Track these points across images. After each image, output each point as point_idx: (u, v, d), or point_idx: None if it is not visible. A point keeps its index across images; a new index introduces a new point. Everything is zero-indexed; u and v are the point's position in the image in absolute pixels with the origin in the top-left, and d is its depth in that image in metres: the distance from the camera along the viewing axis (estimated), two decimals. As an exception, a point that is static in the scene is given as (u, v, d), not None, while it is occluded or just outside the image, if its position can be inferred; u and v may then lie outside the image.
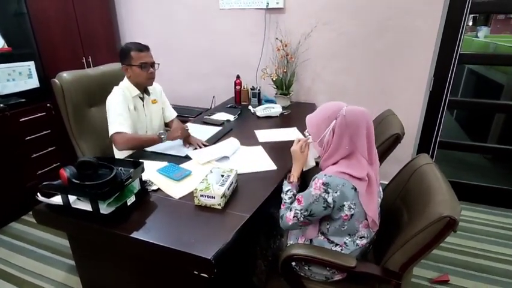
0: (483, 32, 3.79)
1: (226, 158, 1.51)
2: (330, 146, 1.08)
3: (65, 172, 1.03)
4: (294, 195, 1.15)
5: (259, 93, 2.46)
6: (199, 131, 1.85)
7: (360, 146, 1.05)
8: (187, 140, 1.67)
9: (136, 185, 1.18)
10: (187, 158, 1.53)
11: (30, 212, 2.27)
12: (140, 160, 1.23)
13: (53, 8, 2.37)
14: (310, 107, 2.40)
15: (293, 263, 1.15)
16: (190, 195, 1.18)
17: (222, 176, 1.22)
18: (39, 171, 2.31)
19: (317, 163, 1.20)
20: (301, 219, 1.07)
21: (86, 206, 1.06)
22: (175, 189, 1.24)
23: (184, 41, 2.78)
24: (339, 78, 2.39)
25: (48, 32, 2.37)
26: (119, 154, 1.67)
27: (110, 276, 1.25)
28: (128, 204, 1.10)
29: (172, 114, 1.94)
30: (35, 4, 2.24)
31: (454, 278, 1.72)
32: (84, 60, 2.60)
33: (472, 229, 2.12)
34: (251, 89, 2.47)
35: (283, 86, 2.38)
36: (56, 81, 1.65)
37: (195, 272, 0.94)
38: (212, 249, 0.91)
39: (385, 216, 1.17)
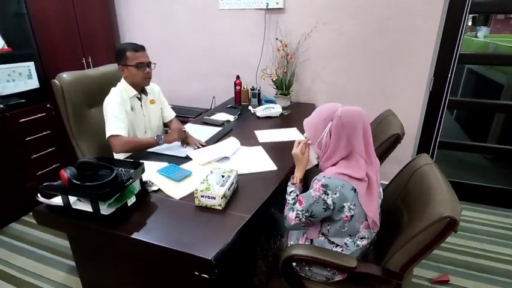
0: (483, 32, 3.79)
1: (226, 158, 1.51)
2: (329, 147, 1.08)
3: (66, 173, 1.03)
4: (297, 196, 1.16)
5: (259, 94, 2.46)
6: (199, 132, 1.85)
7: (357, 146, 1.06)
8: (185, 140, 1.67)
9: (136, 186, 1.18)
10: (187, 158, 1.53)
11: (30, 213, 2.27)
12: (140, 161, 1.23)
13: (53, 9, 2.37)
14: (311, 107, 2.39)
15: (294, 264, 1.15)
16: (191, 196, 1.18)
17: (223, 176, 1.22)
18: (39, 172, 2.31)
19: (318, 163, 1.20)
20: (303, 219, 1.08)
21: (86, 207, 1.06)
22: (176, 190, 1.24)
23: (184, 41, 2.78)
24: (339, 78, 2.39)
25: (48, 33, 2.37)
26: (119, 155, 1.67)
27: (111, 277, 1.25)
28: (129, 204, 1.10)
29: (170, 115, 1.94)
30: (35, 4, 2.24)
31: (454, 278, 1.72)
32: (84, 61, 2.60)
33: (472, 229, 2.12)
34: (251, 89, 2.47)
35: (283, 86, 2.38)
36: (56, 81, 1.65)
37: (196, 273, 0.93)
38: (213, 250, 0.91)
39: (385, 217, 1.17)
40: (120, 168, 1.16)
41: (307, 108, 2.30)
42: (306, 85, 2.51)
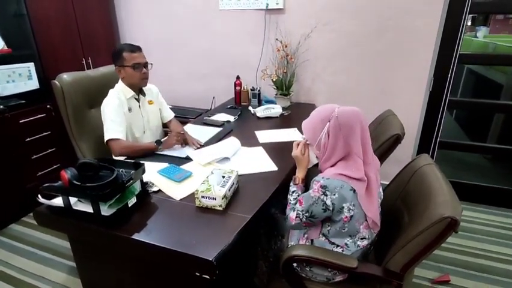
0: (482, 32, 3.79)
1: (226, 159, 1.51)
2: (327, 148, 1.09)
3: (66, 174, 1.03)
4: (299, 196, 1.16)
5: (259, 94, 2.46)
6: (199, 132, 1.85)
7: (355, 146, 1.06)
8: (184, 140, 1.67)
9: (137, 187, 1.18)
10: (187, 159, 1.53)
11: (31, 214, 2.27)
12: (141, 161, 1.23)
13: (52, 9, 2.37)
14: (311, 108, 2.39)
15: (294, 264, 1.15)
16: (191, 197, 1.18)
17: (223, 177, 1.22)
18: (40, 173, 2.31)
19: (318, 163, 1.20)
20: (304, 219, 1.08)
21: (87, 208, 1.06)
22: (176, 191, 1.24)
23: (184, 42, 2.78)
24: (339, 79, 2.40)
25: (48, 33, 2.37)
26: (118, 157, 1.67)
27: (111, 277, 1.25)
28: (129, 205, 1.10)
29: (169, 115, 1.94)
30: (34, 5, 2.24)
31: (454, 278, 1.72)
32: (84, 62, 2.60)
33: (472, 229, 2.12)
34: (251, 90, 2.47)
35: (283, 86, 2.38)
36: (56, 82, 1.65)
37: (197, 274, 0.94)
38: (213, 251, 0.91)
39: (386, 217, 1.17)
40: (121, 169, 1.16)
41: (307, 109, 2.30)
42: (306, 85, 2.51)
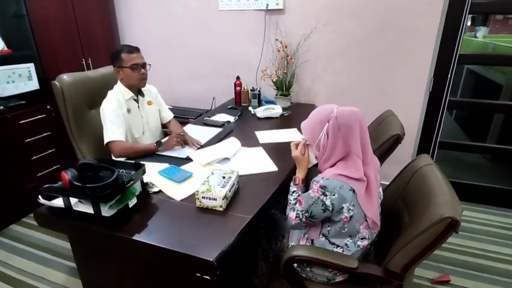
0: (482, 32, 3.80)
1: (227, 159, 1.51)
2: (326, 148, 1.09)
3: (67, 174, 1.03)
4: (299, 196, 1.16)
5: (259, 94, 2.46)
6: (200, 133, 1.85)
7: (354, 146, 1.06)
8: (184, 140, 1.68)
9: (137, 187, 1.18)
10: (188, 159, 1.53)
11: (31, 214, 2.27)
12: (141, 162, 1.23)
13: (52, 10, 2.37)
14: (311, 108, 2.38)
15: (295, 265, 1.15)
16: (192, 197, 1.18)
17: (224, 177, 1.22)
18: (40, 173, 2.31)
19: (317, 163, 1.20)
20: (304, 219, 1.08)
21: (87, 209, 1.06)
22: (177, 191, 1.24)
23: (184, 42, 2.78)
24: (339, 79, 2.40)
25: (48, 34, 2.37)
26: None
27: (112, 278, 1.25)
28: (130, 206, 1.10)
29: (168, 116, 1.95)
30: (34, 6, 2.23)
31: (454, 278, 1.72)
32: (84, 62, 2.60)
33: (471, 229, 2.13)
34: (251, 90, 2.47)
35: (283, 87, 2.38)
36: (57, 83, 1.65)
37: (197, 274, 0.94)
38: (214, 251, 0.91)
39: (386, 217, 1.18)
40: (121, 170, 1.16)
41: (307, 109, 2.29)
42: (306, 86, 2.52)
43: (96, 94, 1.76)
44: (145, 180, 1.22)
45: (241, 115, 2.24)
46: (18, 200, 2.20)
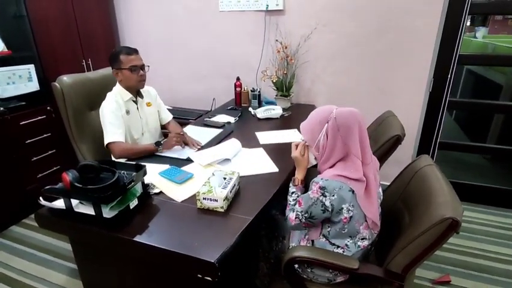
0: (481, 32, 3.80)
1: (227, 160, 1.52)
2: (326, 149, 1.09)
3: (68, 176, 1.03)
4: (298, 197, 1.16)
5: (259, 95, 2.46)
6: (200, 133, 1.85)
7: (353, 147, 1.06)
8: (184, 140, 1.68)
9: (138, 189, 1.18)
10: (188, 160, 1.54)
11: (31, 215, 2.27)
12: (142, 163, 1.23)
13: (52, 10, 2.36)
14: (311, 108, 2.37)
15: (296, 266, 1.15)
16: (193, 198, 1.19)
17: (224, 178, 1.22)
18: (40, 175, 2.30)
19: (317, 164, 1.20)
20: (303, 220, 1.09)
21: (88, 210, 1.06)
22: (177, 192, 1.25)
23: (184, 43, 2.78)
24: (339, 80, 2.40)
25: (48, 34, 2.36)
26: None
27: (113, 279, 1.25)
28: (131, 207, 1.11)
29: (168, 117, 1.95)
30: (34, 6, 2.23)
31: (454, 278, 1.72)
32: (84, 63, 2.60)
33: (471, 229, 2.13)
34: (251, 91, 2.47)
35: (283, 87, 2.38)
36: (57, 84, 1.65)
37: (199, 276, 0.94)
38: (215, 253, 0.92)
39: (386, 218, 1.18)
40: (122, 171, 1.17)
41: (307, 110, 2.28)
42: (306, 86, 2.52)
43: (96, 95, 1.76)
44: (145, 182, 1.22)
45: (241, 116, 2.24)
46: (19, 201, 2.20)
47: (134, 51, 1.65)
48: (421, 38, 2.11)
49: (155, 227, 1.07)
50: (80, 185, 1.02)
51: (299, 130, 1.88)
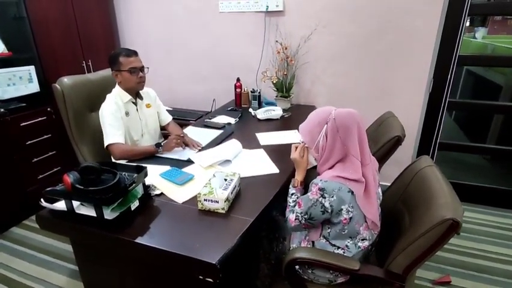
0: (481, 32, 3.80)
1: (228, 161, 1.52)
2: (325, 150, 1.10)
3: (69, 178, 1.03)
4: (298, 198, 1.16)
5: (259, 96, 2.47)
6: (200, 135, 1.85)
7: (352, 148, 1.07)
8: (184, 141, 1.68)
9: (139, 190, 1.18)
10: (189, 161, 1.54)
11: (31, 217, 2.28)
12: (143, 164, 1.23)
13: (52, 11, 2.37)
14: (311, 109, 2.36)
15: (297, 267, 1.15)
16: (194, 200, 1.19)
17: (225, 180, 1.22)
18: (40, 176, 2.30)
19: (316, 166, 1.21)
20: (303, 221, 1.09)
21: (90, 212, 1.07)
22: (178, 194, 1.25)
23: (184, 44, 2.78)
24: (339, 80, 2.40)
25: (48, 35, 2.36)
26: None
27: (114, 281, 1.25)
28: (132, 209, 1.11)
29: (167, 118, 1.95)
30: (34, 7, 2.23)
31: (453, 279, 1.73)
32: (84, 64, 2.60)
33: (470, 229, 2.13)
34: (251, 92, 2.48)
35: (283, 88, 2.39)
36: (57, 86, 1.66)
37: (200, 277, 0.94)
38: (217, 254, 0.92)
39: (387, 219, 1.18)
40: (123, 173, 1.17)
41: (307, 111, 2.27)
42: (306, 87, 2.52)
43: (96, 96, 1.76)
44: (146, 183, 1.23)
45: (241, 117, 2.24)
46: (19, 203, 2.20)
47: (134, 53, 1.65)
48: (421, 38, 2.12)
49: (157, 228, 1.07)
50: (82, 187, 1.03)
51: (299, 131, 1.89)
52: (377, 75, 2.29)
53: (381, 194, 1.20)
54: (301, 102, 2.56)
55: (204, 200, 1.13)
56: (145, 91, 1.80)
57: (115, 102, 1.64)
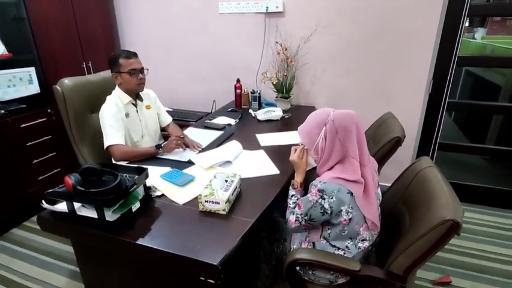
0: (480, 33, 3.82)
1: (228, 162, 1.52)
2: (324, 152, 1.10)
3: (70, 179, 1.03)
4: (298, 199, 1.17)
5: (259, 97, 2.47)
6: (200, 136, 1.86)
7: (351, 149, 1.07)
8: (184, 143, 1.69)
9: (140, 191, 1.18)
10: (189, 163, 1.54)
11: (32, 218, 2.28)
12: (143, 166, 1.23)
13: (52, 12, 2.37)
14: (311, 110, 2.37)
15: (297, 268, 1.16)
16: (195, 201, 1.19)
17: (226, 181, 1.22)
18: (40, 177, 2.30)
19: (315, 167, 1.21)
20: (303, 223, 1.10)
21: (91, 213, 1.07)
22: (179, 195, 1.25)
23: (184, 45, 2.78)
24: (339, 81, 2.41)
25: (48, 37, 2.36)
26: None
27: (115, 282, 1.26)
28: (133, 210, 1.11)
29: (167, 119, 1.96)
30: (34, 8, 2.23)
31: (453, 279, 1.73)
32: (84, 65, 2.60)
33: (470, 230, 2.14)
34: (251, 93, 2.48)
35: (283, 89, 2.39)
36: (58, 87, 1.66)
37: (201, 278, 0.94)
38: (218, 255, 0.92)
39: (387, 220, 1.18)
40: (124, 174, 1.17)
41: (307, 111, 2.27)
42: (306, 88, 2.53)
43: (97, 98, 1.76)
44: (147, 184, 1.23)
45: (241, 118, 2.24)
46: (19, 204, 2.20)
47: (134, 55, 1.65)
48: (421, 39, 2.12)
49: (158, 229, 1.07)
50: (83, 188, 1.03)
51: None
52: (377, 76, 2.30)
53: (380, 195, 1.20)
54: (302, 103, 2.57)
55: (205, 201, 1.13)
56: (145, 92, 1.81)
57: (115, 103, 1.65)
